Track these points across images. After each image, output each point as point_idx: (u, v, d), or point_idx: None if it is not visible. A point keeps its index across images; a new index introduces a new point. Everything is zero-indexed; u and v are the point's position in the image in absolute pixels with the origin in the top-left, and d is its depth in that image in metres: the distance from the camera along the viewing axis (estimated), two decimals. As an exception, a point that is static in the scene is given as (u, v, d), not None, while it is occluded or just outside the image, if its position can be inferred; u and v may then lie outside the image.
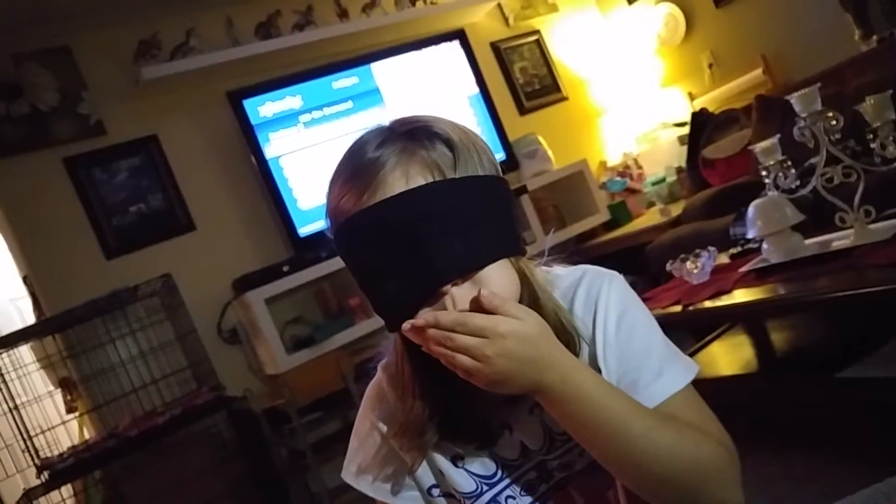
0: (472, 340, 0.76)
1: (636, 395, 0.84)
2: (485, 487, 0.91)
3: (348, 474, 0.99)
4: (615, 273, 0.94)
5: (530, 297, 0.87)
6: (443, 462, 0.93)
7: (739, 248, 2.54)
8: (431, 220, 0.80)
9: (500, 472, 0.92)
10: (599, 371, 0.87)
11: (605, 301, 0.89)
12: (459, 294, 0.80)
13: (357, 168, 0.84)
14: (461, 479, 0.92)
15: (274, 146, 3.61)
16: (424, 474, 0.95)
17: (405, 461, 0.94)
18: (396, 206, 0.79)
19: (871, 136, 1.87)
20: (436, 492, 0.95)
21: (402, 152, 0.83)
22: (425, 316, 0.78)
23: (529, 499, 0.92)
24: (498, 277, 0.83)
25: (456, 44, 4.24)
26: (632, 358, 0.86)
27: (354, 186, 0.82)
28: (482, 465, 0.92)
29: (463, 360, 0.77)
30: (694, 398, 0.87)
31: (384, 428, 0.94)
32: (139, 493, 2.91)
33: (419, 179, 0.81)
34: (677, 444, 0.79)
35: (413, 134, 0.85)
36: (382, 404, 0.96)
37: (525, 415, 0.91)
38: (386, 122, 0.89)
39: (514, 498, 0.92)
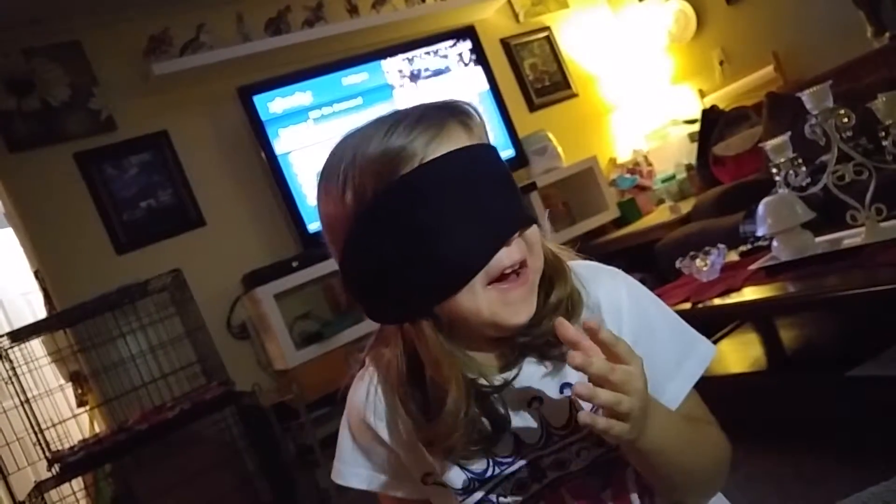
0: (612, 397, 0.75)
1: (660, 396, 0.87)
2: (476, 484, 0.89)
3: (338, 474, 0.98)
4: (616, 270, 0.97)
5: (553, 266, 0.89)
6: (435, 456, 0.89)
7: (749, 246, 2.53)
8: (495, 175, 0.84)
9: (491, 470, 0.89)
10: None
11: (617, 301, 0.91)
12: (513, 249, 0.82)
13: (422, 114, 0.84)
14: (454, 474, 0.89)
15: (284, 142, 3.62)
16: (415, 467, 0.93)
17: (391, 452, 0.94)
18: (462, 158, 0.82)
19: (883, 133, 1.86)
20: (429, 480, 0.93)
21: (455, 115, 0.86)
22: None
23: (520, 498, 0.89)
24: (540, 238, 0.86)
25: (466, 40, 4.24)
26: (654, 357, 0.86)
27: (424, 130, 0.82)
28: (473, 459, 0.89)
29: (613, 423, 0.75)
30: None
31: (386, 437, 0.93)
32: (148, 486, 2.92)
33: (475, 140, 0.85)
34: (709, 452, 0.88)
35: (453, 107, 0.88)
36: (377, 403, 0.94)
37: (523, 408, 0.89)
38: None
39: (504, 496, 0.89)
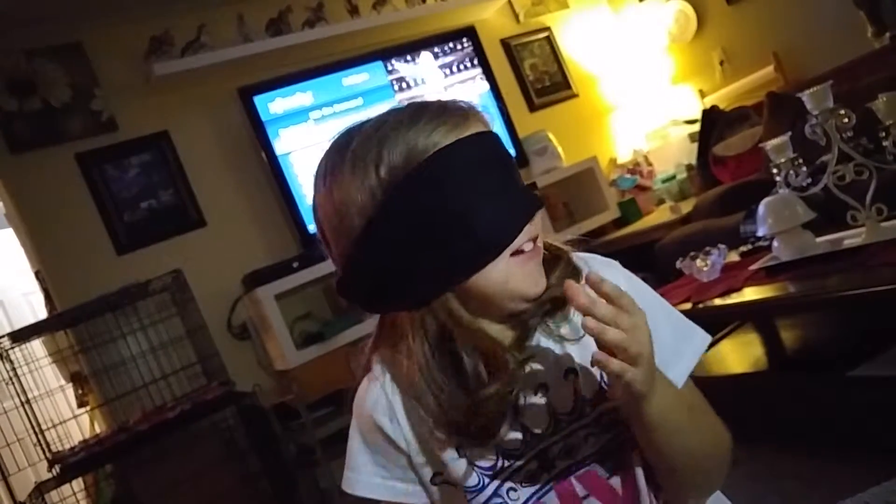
0: (620, 336, 0.77)
1: None
2: (486, 480, 0.89)
3: (348, 483, 0.98)
4: (614, 261, 1.03)
5: (552, 252, 0.94)
6: (447, 452, 0.90)
7: (750, 246, 2.54)
8: (511, 160, 0.90)
9: (500, 463, 0.89)
10: None
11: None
12: (530, 225, 0.87)
13: (441, 108, 0.87)
14: (465, 471, 0.89)
15: (284, 142, 3.62)
16: (426, 466, 0.93)
17: (402, 455, 0.93)
18: (489, 141, 0.87)
19: (884, 133, 1.86)
20: (438, 479, 0.93)
21: (472, 109, 0.90)
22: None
23: (532, 490, 0.89)
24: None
25: (466, 40, 4.24)
26: (653, 344, 0.85)
27: (445, 122, 0.85)
28: (482, 455, 0.89)
29: (626, 366, 0.77)
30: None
31: (398, 438, 0.92)
32: (149, 487, 2.92)
33: (490, 128, 0.90)
34: (710, 436, 0.89)
35: (468, 102, 0.92)
36: (389, 405, 0.93)
37: (531, 396, 0.89)
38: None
39: (515, 490, 0.89)
